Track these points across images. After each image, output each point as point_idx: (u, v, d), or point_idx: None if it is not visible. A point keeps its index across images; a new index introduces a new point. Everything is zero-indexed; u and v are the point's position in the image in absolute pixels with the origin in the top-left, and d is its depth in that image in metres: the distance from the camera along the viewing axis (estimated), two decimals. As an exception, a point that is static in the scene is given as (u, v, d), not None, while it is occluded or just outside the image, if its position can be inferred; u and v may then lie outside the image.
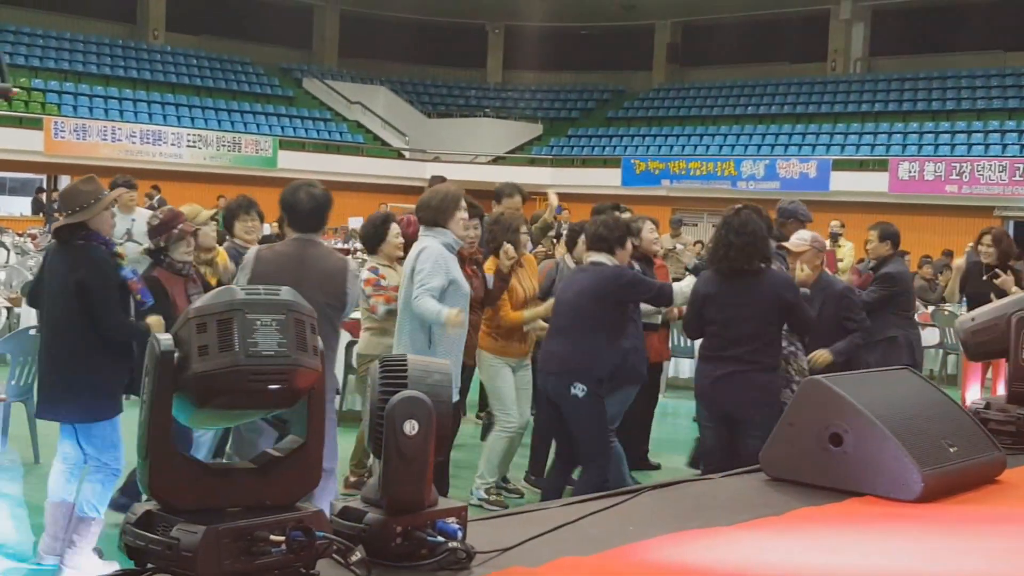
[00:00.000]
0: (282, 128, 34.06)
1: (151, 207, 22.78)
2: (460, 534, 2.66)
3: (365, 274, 6.99)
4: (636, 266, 7.08)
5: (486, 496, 7.36)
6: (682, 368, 12.17)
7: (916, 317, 9.41)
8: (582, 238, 7.23)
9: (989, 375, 9.69)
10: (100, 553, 5.73)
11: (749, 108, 35.90)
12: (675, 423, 10.53)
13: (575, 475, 6.74)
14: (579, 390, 6.09)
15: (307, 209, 5.61)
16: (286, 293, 2.43)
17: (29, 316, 10.32)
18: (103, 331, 5.53)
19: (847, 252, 15.11)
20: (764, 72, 36.97)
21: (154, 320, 5.64)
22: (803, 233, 7.13)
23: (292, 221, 5.75)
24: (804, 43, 36.55)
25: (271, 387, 2.35)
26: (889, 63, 35.24)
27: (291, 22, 39.43)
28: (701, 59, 39.25)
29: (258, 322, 2.35)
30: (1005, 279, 8.60)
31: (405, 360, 2.71)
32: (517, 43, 40.78)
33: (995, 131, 29.89)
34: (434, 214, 6.14)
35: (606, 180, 32.85)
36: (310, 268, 5.48)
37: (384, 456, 2.62)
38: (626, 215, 8.15)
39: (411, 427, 2.60)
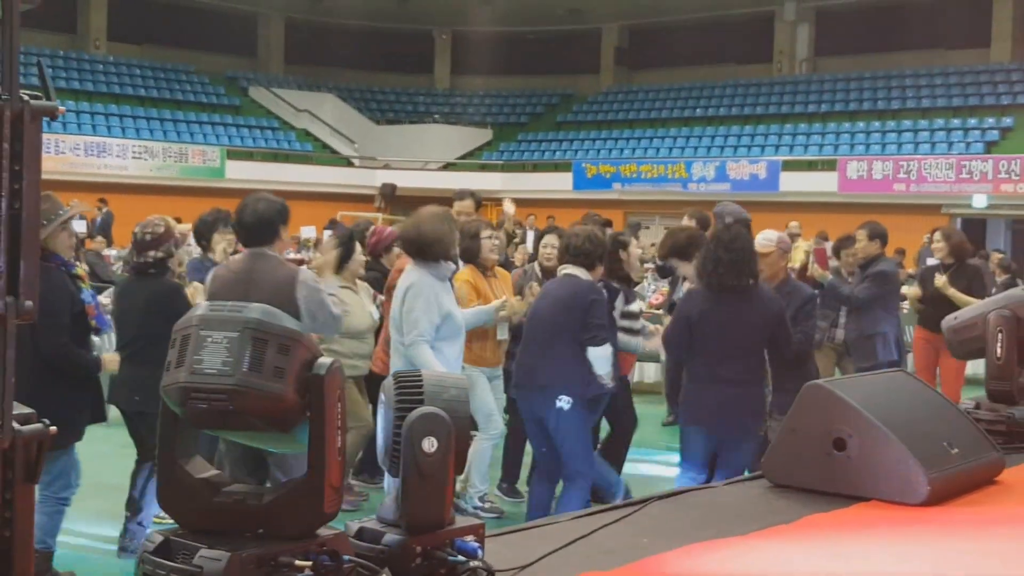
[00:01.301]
0: (229, 138, 33.80)
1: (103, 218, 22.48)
2: (480, 552, 2.63)
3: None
4: (617, 286, 7.04)
5: (481, 504, 7.33)
6: (647, 372, 12.20)
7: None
8: (544, 243, 7.26)
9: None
10: None
11: (697, 110, 36.13)
12: (643, 428, 10.51)
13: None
14: (565, 403, 6.02)
15: (250, 223, 5.50)
16: (254, 311, 2.34)
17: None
18: (44, 356, 5.26)
19: (801, 252, 15.25)
20: (711, 74, 37.22)
21: (109, 358, 5.58)
22: (769, 233, 7.09)
23: (240, 235, 5.73)
24: (750, 45, 36.85)
25: (221, 407, 2.25)
26: (835, 63, 35.60)
27: (235, 30, 39.14)
28: (648, 62, 39.44)
29: (209, 339, 2.28)
30: (942, 282, 8.73)
31: (420, 375, 2.67)
32: (465, 48, 40.75)
33: (940, 129, 30.30)
34: (428, 248, 5.98)
35: (557, 185, 32.91)
36: (258, 281, 5.35)
37: (403, 475, 2.57)
38: (609, 230, 8.07)
39: (430, 444, 2.55)
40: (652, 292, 13.51)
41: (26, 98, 1.52)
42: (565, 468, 6.24)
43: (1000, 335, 4.48)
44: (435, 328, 5.83)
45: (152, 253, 5.98)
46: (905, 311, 13.71)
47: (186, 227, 7.16)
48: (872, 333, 8.29)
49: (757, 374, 5.87)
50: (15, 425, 1.53)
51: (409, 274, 6.01)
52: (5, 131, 1.50)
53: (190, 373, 2.28)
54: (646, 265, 13.89)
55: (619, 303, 7.07)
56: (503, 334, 7.24)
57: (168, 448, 2.41)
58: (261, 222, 5.47)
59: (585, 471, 6.25)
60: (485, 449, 7.31)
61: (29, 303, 1.54)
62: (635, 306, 7.41)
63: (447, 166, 35.67)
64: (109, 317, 6.35)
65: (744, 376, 5.77)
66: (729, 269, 5.74)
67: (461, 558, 2.59)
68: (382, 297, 7.38)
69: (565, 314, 6.15)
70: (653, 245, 18.76)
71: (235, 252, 7.63)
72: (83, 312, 5.43)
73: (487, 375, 7.27)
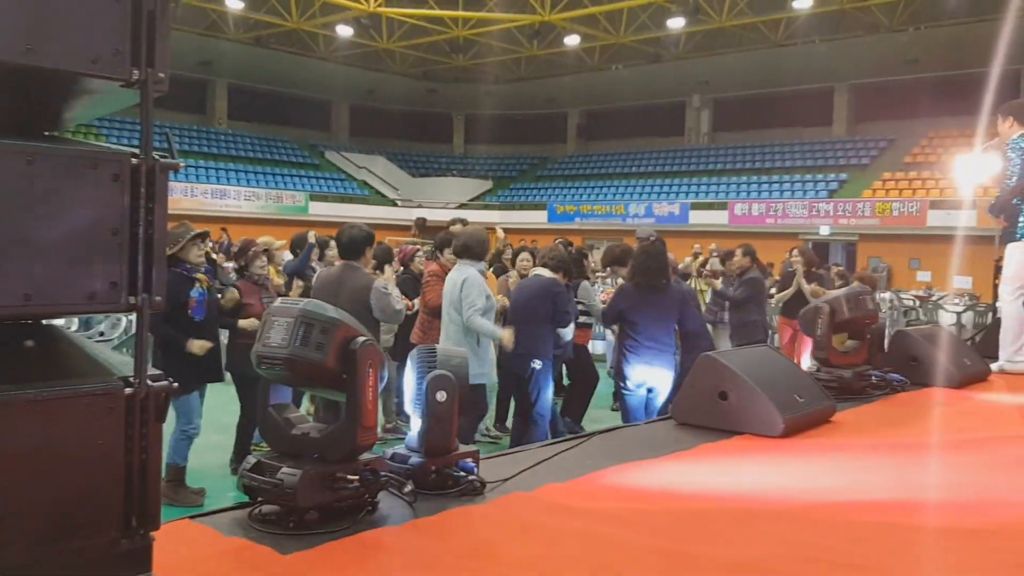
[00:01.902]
0: (311, 186, 33.69)
1: (225, 241, 22.40)
2: (476, 470, 2.62)
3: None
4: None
5: (486, 433, 7.40)
6: (596, 347, 12.14)
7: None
8: (520, 257, 7.28)
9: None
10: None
11: (633, 168, 36.09)
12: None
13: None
14: (537, 364, 5.98)
15: (345, 243, 5.48)
16: (308, 303, 2.31)
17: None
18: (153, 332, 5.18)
19: (697, 263, 15.22)
20: (643, 144, 37.19)
21: (196, 344, 5.31)
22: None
23: (339, 251, 5.64)
24: (669, 123, 36.81)
25: (278, 370, 2.26)
26: (727, 136, 35.59)
27: (316, 112, 39.03)
28: (600, 135, 39.40)
29: (276, 322, 2.27)
30: (813, 288, 8.75)
31: (435, 350, 2.66)
32: (474, 125, 40.70)
33: (798, 181, 30.29)
34: (474, 251, 5.82)
35: (537, 219, 32.87)
36: (345, 284, 5.33)
37: (424, 417, 2.57)
38: (572, 247, 8.13)
39: (441, 396, 2.55)
40: (600, 292, 13.45)
41: (156, 157, 1.50)
42: (533, 410, 6.10)
43: (819, 321, 4.51)
44: (483, 306, 5.65)
45: (237, 261, 6.04)
46: (772, 305, 13.73)
47: (283, 243, 7.10)
48: (747, 321, 8.31)
49: (672, 346, 5.79)
50: (148, 382, 1.52)
51: (462, 270, 5.76)
52: (142, 180, 1.49)
53: (263, 345, 2.27)
54: (597, 273, 13.87)
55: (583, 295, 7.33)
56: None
57: (264, 396, 2.40)
58: (353, 243, 5.45)
59: (546, 414, 6.13)
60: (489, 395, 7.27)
61: (159, 298, 1.52)
62: (596, 298, 7.51)
63: (461, 206, 35.58)
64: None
65: (665, 345, 5.67)
66: (653, 273, 5.66)
67: (462, 473, 2.59)
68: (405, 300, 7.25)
69: (536, 301, 6.04)
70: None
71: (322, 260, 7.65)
72: (186, 304, 5.31)
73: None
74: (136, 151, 1.50)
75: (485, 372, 5.68)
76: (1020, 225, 5.21)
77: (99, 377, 1.48)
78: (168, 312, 5.14)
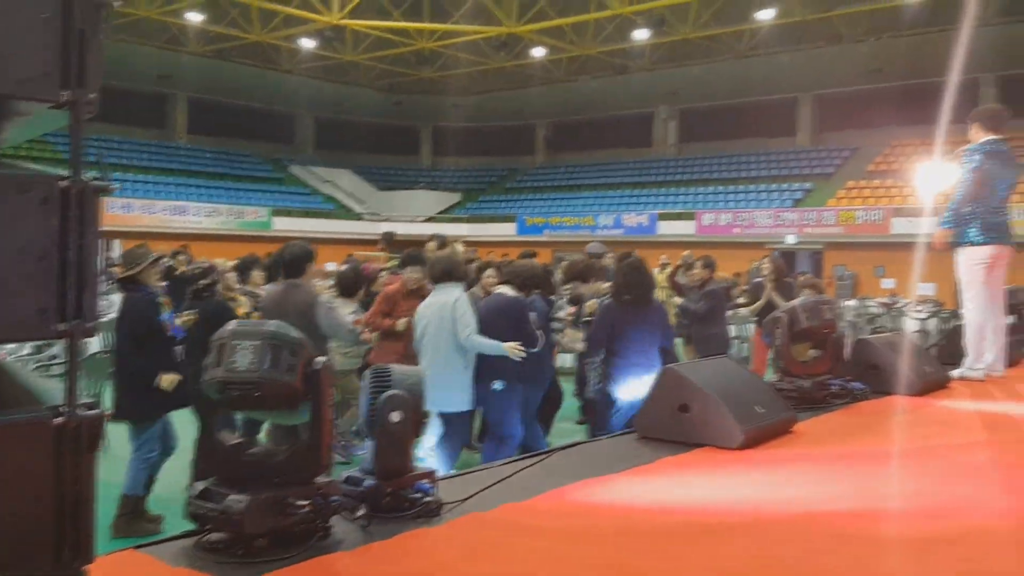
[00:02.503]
0: (274, 201, 33.41)
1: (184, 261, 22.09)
2: (432, 491, 2.59)
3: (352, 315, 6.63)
4: (552, 299, 6.79)
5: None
6: (564, 359, 12.13)
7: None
8: (486, 273, 7.12)
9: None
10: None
11: (602, 179, 36.25)
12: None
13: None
14: (498, 385, 5.84)
15: (287, 261, 5.49)
16: (271, 325, 2.30)
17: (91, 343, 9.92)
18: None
19: (666, 275, 15.29)
20: (611, 155, 37.39)
21: (166, 380, 5.12)
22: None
23: (283, 270, 5.60)
24: (637, 134, 37.05)
25: (249, 394, 2.22)
26: (694, 147, 35.88)
27: (280, 125, 38.84)
28: (568, 146, 39.56)
29: (239, 346, 2.25)
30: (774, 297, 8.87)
31: (390, 369, 2.64)
32: (442, 138, 40.74)
33: (764, 191, 30.60)
34: (455, 274, 5.76)
35: (506, 231, 32.87)
36: (289, 303, 5.27)
37: (377, 438, 2.54)
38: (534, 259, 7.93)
39: (396, 416, 2.52)
40: (563, 311, 13.44)
41: (87, 180, 1.47)
42: (498, 431, 5.88)
43: (778, 331, 4.54)
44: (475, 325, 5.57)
45: (202, 282, 5.83)
46: (749, 315, 13.80)
47: (231, 263, 6.95)
48: (708, 334, 8.28)
49: (657, 360, 5.57)
50: (79, 411, 1.48)
51: (449, 291, 5.66)
52: (72, 204, 1.46)
53: (226, 371, 2.23)
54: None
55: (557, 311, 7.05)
56: None
57: (206, 425, 2.36)
58: (294, 260, 5.43)
59: (513, 434, 5.85)
60: None
61: (90, 324, 1.49)
62: (562, 313, 7.30)
63: (429, 219, 35.52)
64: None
65: (648, 361, 5.51)
66: (641, 289, 5.58)
67: (418, 495, 2.56)
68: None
69: (500, 320, 5.81)
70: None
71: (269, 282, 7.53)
72: (162, 327, 5.20)
73: None
74: (65, 174, 1.47)
75: (470, 397, 5.58)
76: (966, 228, 5.27)
77: (27, 407, 1.45)
78: (141, 339, 5.10)
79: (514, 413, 5.88)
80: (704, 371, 3.69)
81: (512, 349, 5.44)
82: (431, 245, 7.44)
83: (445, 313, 5.56)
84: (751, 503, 2.80)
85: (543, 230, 32.62)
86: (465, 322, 5.51)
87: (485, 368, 5.76)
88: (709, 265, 8.59)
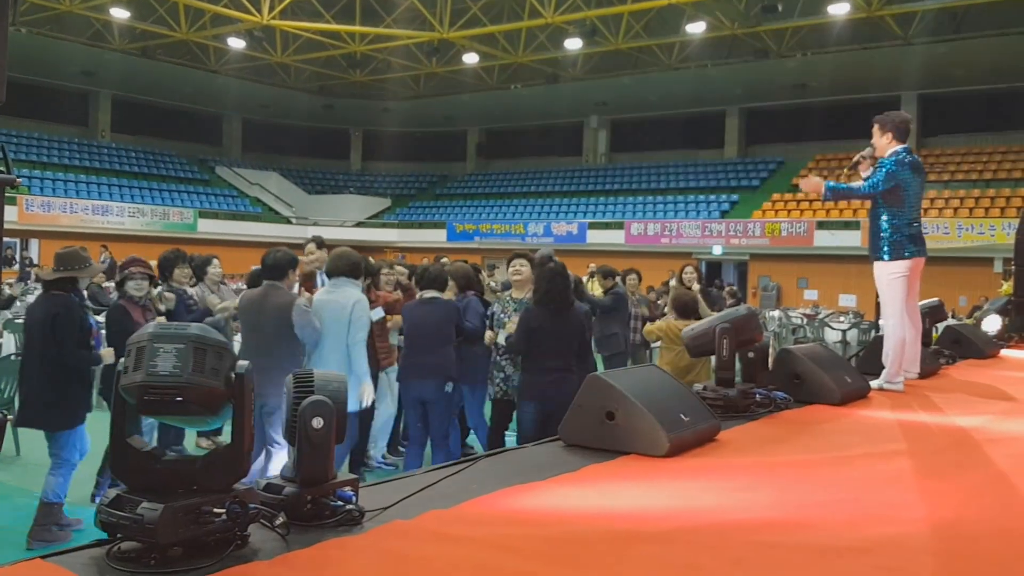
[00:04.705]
0: (200, 203, 32.75)
1: (103, 261, 21.47)
2: (354, 499, 2.55)
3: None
4: (488, 301, 6.86)
5: (384, 460, 7.28)
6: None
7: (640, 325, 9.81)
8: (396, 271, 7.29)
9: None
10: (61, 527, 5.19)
11: (532, 187, 36.47)
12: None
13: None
14: (449, 387, 5.87)
15: (269, 264, 5.54)
16: (194, 328, 2.24)
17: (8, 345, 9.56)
18: (61, 359, 5.09)
19: (596, 284, 15.49)
20: (542, 163, 37.68)
21: (106, 352, 5.30)
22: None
23: (263, 272, 5.63)
24: (567, 143, 37.43)
25: (171, 399, 2.15)
26: (623, 157, 36.41)
27: (207, 126, 38.08)
28: (499, 154, 39.74)
29: (161, 349, 2.18)
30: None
31: (312, 374, 2.59)
32: (372, 142, 40.51)
33: (692, 202, 31.20)
34: (353, 271, 5.79)
35: (436, 238, 32.82)
36: (269, 303, 5.43)
37: (297, 444, 2.48)
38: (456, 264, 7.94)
39: (318, 422, 2.47)
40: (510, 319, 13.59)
41: (-11, 172, 1.41)
42: (435, 434, 5.97)
43: (724, 341, 4.59)
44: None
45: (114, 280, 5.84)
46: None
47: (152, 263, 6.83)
48: (608, 334, 9.21)
49: (572, 364, 5.65)
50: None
51: (352, 290, 5.65)
52: (-28, 196, 1.39)
53: (146, 374, 2.15)
54: (506, 292, 13.95)
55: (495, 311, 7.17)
56: (393, 339, 7.05)
57: (119, 430, 2.28)
58: (277, 264, 5.50)
59: (449, 434, 6.05)
60: (387, 422, 7.14)
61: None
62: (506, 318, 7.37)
63: (358, 224, 35.22)
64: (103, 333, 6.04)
65: (568, 366, 5.55)
66: (560, 293, 5.58)
67: (340, 503, 2.51)
68: None
69: (446, 324, 5.94)
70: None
71: (193, 283, 7.41)
72: (90, 331, 5.26)
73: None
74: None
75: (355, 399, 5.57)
76: (883, 242, 5.41)
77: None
78: (76, 341, 5.06)
79: (454, 414, 6.01)
80: (630, 379, 3.71)
81: (366, 390, 5.52)
82: (310, 247, 7.45)
83: (343, 313, 5.58)
84: (674, 511, 2.82)
85: (473, 237, 32.67)
86: (361, 325, 5.56)
87: (429, 370, 5.81)
88: (608, 274, 9.88)
